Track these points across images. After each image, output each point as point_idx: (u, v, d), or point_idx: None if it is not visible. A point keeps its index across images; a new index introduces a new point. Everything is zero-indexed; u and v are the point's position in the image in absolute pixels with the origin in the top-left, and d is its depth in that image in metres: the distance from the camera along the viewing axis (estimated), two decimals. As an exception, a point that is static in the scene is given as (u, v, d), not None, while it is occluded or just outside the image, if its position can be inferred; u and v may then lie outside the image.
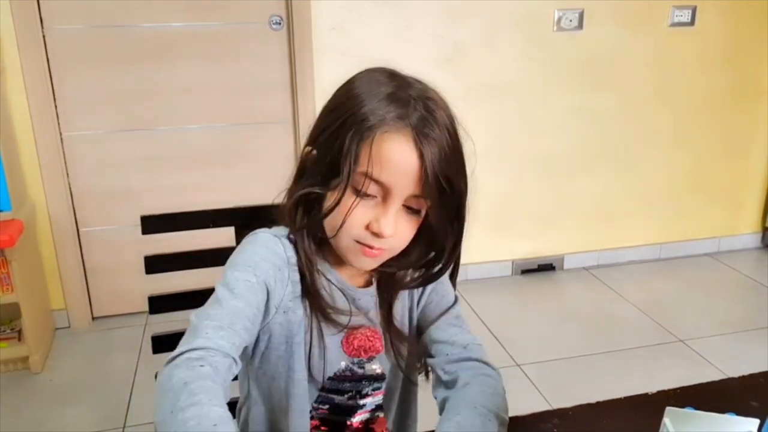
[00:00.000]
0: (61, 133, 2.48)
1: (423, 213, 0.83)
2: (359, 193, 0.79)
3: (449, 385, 0.87)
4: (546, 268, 3.10)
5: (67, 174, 2.52)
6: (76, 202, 2.57)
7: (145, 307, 1.10)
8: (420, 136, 0.77)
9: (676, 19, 2.88)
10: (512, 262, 3.06)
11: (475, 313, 2.70)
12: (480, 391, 0.83)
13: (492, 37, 2.73)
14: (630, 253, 3.19)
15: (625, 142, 3.02)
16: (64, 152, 2.50)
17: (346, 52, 2.59)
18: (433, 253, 0.89)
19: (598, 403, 0.93)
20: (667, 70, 2.95)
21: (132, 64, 2.49)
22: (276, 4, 2.56)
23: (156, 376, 0.70)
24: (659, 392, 0.94)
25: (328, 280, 0.88)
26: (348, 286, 0.90)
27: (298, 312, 0.87)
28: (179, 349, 0.72)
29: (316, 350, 0.89)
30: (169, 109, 2.57)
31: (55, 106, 2.45)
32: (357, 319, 0.91)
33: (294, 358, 0.88)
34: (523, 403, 2.08)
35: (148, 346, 1.12)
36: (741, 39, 2.98)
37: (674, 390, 0.94)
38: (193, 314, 0.78)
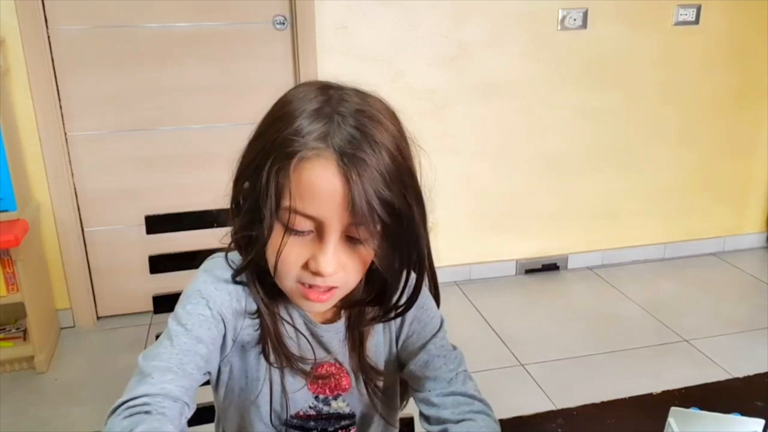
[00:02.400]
0: (65, 133, 2.49)
1: (373, 247, 0.73)
2: (290, 230, 0.70)
3: (435, 421, 0.81)
4: (550, 267, 3.09)
5: (72, 174, 2.53)
6: (81, 201, 2.57)
7: (150, 306, 1.10)
8: (344, 157, 0.67)
9: (680, 18, 2.87)
10: (516, 262, 3.06)
11: (479, 313, 2.70)
12: (477, 427, 0.78)
13: (496, 36, 2.73)
14: (634, 253, 3.18)
15: (630, 141, 3.01)
16: (68, 152, 2.51)
17: (349, 52, 2.59)
18: (400, 285, 0.79)
19: (602, 403, 0.93)
20: (672, 69, 2.95)
21: (136, 64, 2.50)
22: (280, 4, 2.56)
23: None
24: (664, 392, 0.94)
25: (291, 324, 0.82)
26: (311, 322, 0.83)
27: (257, 348, 0.82)
28: (123, 397, 0.68)
29: (277, 387, 0.84)
30: (173, 109, 2.57)
31: (60, 106, 2.46)
32: (321, 356, 0.85)
33: (255, 394, 0.84)
34: (527, 403, 2.09)
35: (152, 345, 1.12)
36: (746, 38, 2.97)
37: (679, 390, 0.94)
38: (141, 356, 0.73)
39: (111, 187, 2.59)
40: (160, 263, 1.10)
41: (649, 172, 3.08)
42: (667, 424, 0.74)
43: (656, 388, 0.95)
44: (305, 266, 0.72)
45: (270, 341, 0.81)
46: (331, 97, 0.71)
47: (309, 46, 2.57)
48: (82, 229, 2.60)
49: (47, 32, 2.38)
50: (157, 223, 1.11)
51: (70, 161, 2.52)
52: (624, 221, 3.13)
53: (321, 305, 0.76)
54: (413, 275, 0.79)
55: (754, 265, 3.13)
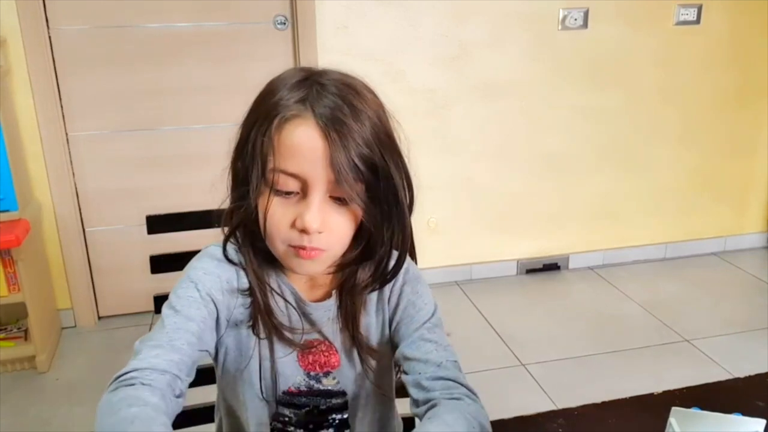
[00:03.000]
0: (66, 133, 2.49)
1: (360, 204, 0.76)
2: (276, 192, 0.75)
3: (423, 403, 0.81)
4: (551, 267, 3.09)
5: (73, 174, 2.53)
6: (82, 201, 2.58)
7: (151, 306, 1.10)
8: (322, 117, 0.72)
9: (681, 18, 2.87)
10: (517, 262, 3.06)
11: (480, 313, 2.70)
12: (465, 404, 0.78)
13: (497, 36, 2.73)
14: (635, 253, 3.18)
15: (630, 141, 3.01)
16: (69, 152, 2.51)
17: (350, 51, 2.59)
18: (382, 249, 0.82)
19: (603, 403, 0.93)
20: (673, 69, 2.95)
21: (137, 64, 2.50)
22: (280, 3, 2.56)
23: None
24: (665, 392, 0.94)
25: (281, 295, 0.85)
26: (301, 299, 0.86)
27: (248, 324, 0.85)
28: (115, 374, 0.72)
29: (267, 364, 0.87)
30: (174, 109, 2.58)
31: (61, 106, 2.46)
32: (309, 333, 0.87)
33: (247, 371, 0.87)
34: (528, 403, 2.09)
35: (153, 345, 1.12)
36: (746, 38, 2.97)
37: (680, 390, 0.94)
38: (138, 341, 0.77)
39: (112, 186, 2.59)
40: (161, 263, 1.11)
41: (650, 172, 3.08)
42: (668, 424, 0.74)
43: (657, 387, 0.95)
44: (293, 226, 0.75)
45: (260, 314, 0.84)
46: (311, 74, 0.78)
47: (310, 46, 2.57)
48: (83, 229, 2.61)
49: (48, 32, 2.38)
50: (158, 223, 1.11)
51: (71, 161, 2.52)
52: (625, 221, 3.13)
53: (312, 263, 0.79)
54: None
55: (755, 265, 3.13)
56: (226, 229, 0.84)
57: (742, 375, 1.00)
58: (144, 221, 1.09)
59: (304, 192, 0.75)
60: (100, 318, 2.71)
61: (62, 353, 2.47)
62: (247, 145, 0.77)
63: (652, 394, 0.94)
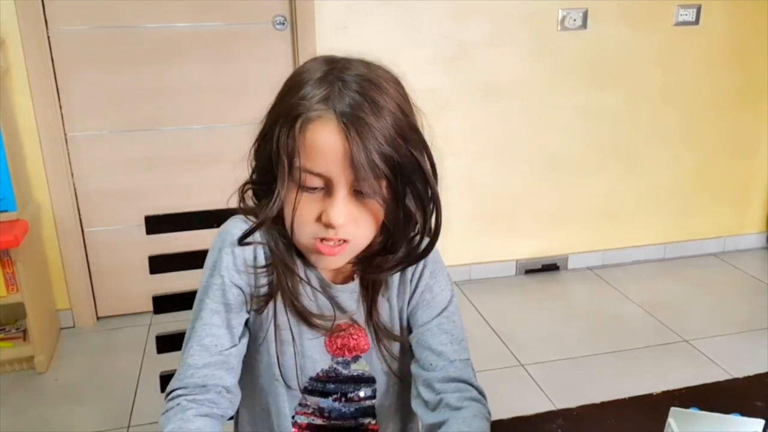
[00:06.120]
0: (65, 134, 2.49)
1: (379, 201, 0.77)
2: (302, 188, 0.76)
3: (432, 406, 0.82)
4: (550, 268, 3.09)
5: (72, 174, 2.53)
6: (81, 202, 2.57)
7: (150, 306, 1.10)
8: (344, 117, 0.72)
9: (680, 18, 2.87)
10: (516, 262, 3.06)
11: (479, 313, 2.70)
12: (472, 416, 0.80)
13: (496, 36, 2.73)
14: (635, 253, 3.18)
15: (630, 141, 3.01)
16: (68, 152, 2.51)
17: (350, 52, 2.59)
18: (415, 235, 0.84)
19: (602, 403, 0.93)
20: (672, 70, 2.95)
21: (136, 64, 2.50)
22: (280, 4, 2.56)
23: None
24: (664, 392, 0.94)
25: (307, 281, 0.85)
26: (327, 283, 0.86)
27: (268, 308, 0.85)
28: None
29: (290, 349, 0.86)
30: (173, 110, 2.57)
31: (60, 107, 2.46)
32: (338, 317, 0.87)
33: (266, 354, 0.87)
34: (527, 404, 2.09)
35: (152, 345, 1.12)
36: (746, 38, 2.97)
37: (679, 390, 0.94)
38: (183, 344, 0.84)
39: (111, 187, 2.59)
40: (159, 263, 1.10)
41: (650, 172, 3.08)
42: (667, 424, 0.74)
43: (656, 388, 0.95)
44: (318, 220, 0.77)
45: (284, 297, 0.84)
46: (335, 66, 0.78)
47: (309, 47, 2.56)
48: (82, 230, 2.60)
49: (47, 33, 2.38)
50: (156, 224, 1.11)
51: (70, 161, 2.52)
52: (624, 221, 3.13)
53: (333, 259, 0.80)
54: (426, 226, 0.85)
55: (754, 266, 3.13)
56: (242, 205, 0.86)
57: (741, 375, 1.00)
58: (143, 221, 1.09)
59: (328, 188, 0.76)
60: (98, 318, 2.70)
61: (61, 353, 2.46)
62: (271, 141, 0.78)
63: (651, 395, 0.94)
